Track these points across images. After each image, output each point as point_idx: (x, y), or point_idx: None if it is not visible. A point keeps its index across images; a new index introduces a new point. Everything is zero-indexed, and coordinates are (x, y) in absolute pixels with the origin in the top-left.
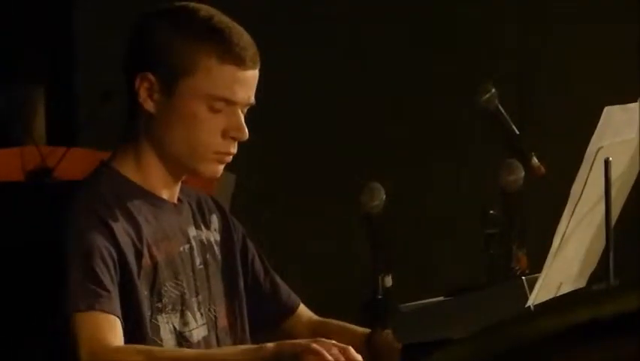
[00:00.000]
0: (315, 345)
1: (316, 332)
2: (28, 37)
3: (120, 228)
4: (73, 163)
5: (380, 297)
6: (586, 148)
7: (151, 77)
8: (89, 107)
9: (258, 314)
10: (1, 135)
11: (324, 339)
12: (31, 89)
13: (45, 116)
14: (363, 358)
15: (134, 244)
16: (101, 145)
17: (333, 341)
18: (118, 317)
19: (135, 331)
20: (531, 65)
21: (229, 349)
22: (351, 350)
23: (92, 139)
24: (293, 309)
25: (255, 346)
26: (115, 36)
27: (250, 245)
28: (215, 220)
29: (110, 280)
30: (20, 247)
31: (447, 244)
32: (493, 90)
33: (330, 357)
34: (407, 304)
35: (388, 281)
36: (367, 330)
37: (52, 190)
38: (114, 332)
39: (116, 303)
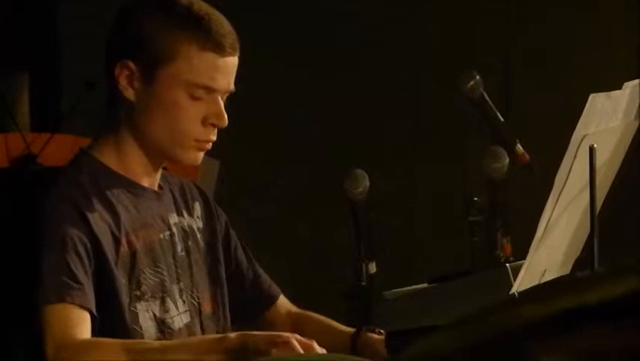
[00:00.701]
0: (284, 335)
1: (296, 323)
2: (13, 25)
3: (97, 217)
4: (58, 150)
5: (364, 284)
6: (570, 135)
7: (131, 65)
8: (73, 94)
9: (238, 304)
10: None
11: (287, 334)
12: (16, 76)
13: (29, 103)
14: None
15: (112, 233)
16: (84, 132)
17: (297, 336)
18: (89, 310)
19: (114, 319)
20: (515, 52)
21: (192, 339)
22: (315, 345)
23: (76, 126)
24: (273, 300)
25: (218, 336)
26: (99, 24)
27: (233, 234)
28: (197, 207)
29: (83, 272)
30: (2, 234)
31: (431, 231)
32: (478, 77)
33: (297, 345)
34: (391, 291)
35: (372, 268)
36: (349, 329)
37: (37, 176)
38: (84, 325)
39: (88, 296)
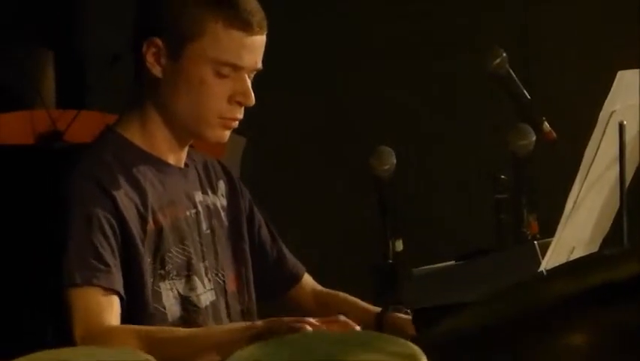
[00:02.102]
0: (309, 320)
1: (321, 302)
2: (38, 1)
3: (123, 195)
4: (84, 126)
5: (391, 261)
6: (596, 112)
7: (158, 41)
8: (98, 70)
9: (262, 282)
10: (12, 99)
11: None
12: (41, 53)
13: (55, 79)
14: None
15: (139, 210)
16: (110, 108)
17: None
18: (117, 292)
19: (137, 298)
20: (541, 28)
21: (219, 327)
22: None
23: (101, 102)
24: (297, 278)
25: (245, 324)
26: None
27: (257, 212)
28: (222, 185)
29: (110, 252)
30: (30, 211)
31: (458, 209)
32: (504, 55)
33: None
34: (418, 268)
35: (399, 246)
36: (374, 308)
37: (63, 153)
38: (110, 309)
39: (115, 278)
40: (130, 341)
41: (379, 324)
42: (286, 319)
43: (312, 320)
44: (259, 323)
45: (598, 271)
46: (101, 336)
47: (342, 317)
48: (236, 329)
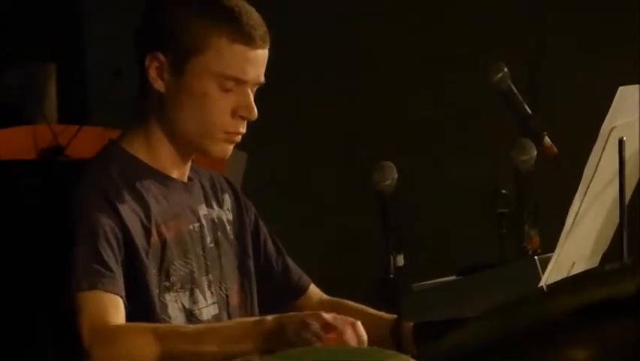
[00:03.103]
0: (323, 314)
1: (330, 310)
2: (39, 15)
3: (127, 208)
4: (85, 141)
5: (392, 276)
6: (598, 128)
7: (161, 56)
8: (101, 84)
9: (268, 296)
10: (14, 114)
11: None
12: (43, 67)
13: (57, 94)
14: (385, 344)
15: (142, 224)
16: (112, 123)
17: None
18: (121, 296)
19: (144, 309)
20: (543, 44)
21: (229, 322)
22: (359, 324)
23: (103, 117)
24: (303, 290)
25: (255, 319)
26: (126, 13)
27: (262, 226)
28: (227, 199)
29: (114, 260)
30: (32, 225)
31: (459, 224)
32: (506, 70)
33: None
34: (419, 283)
35: (400, 260)
36: (383, 314)
37: (64, 168)
38: (116, 311)
39: (119, 283)
40: (138, 337)
41: (397, 333)
42: (295, 314)
43: (324, 314)
44: (269, 317)
45: (598, 287)
46: (108, 334)
47: (358, 323)
48: (245, 324)
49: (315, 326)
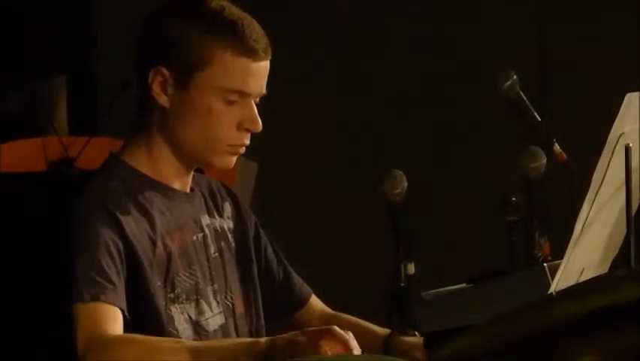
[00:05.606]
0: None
1: (328, 325)
2: (49, 28)
3: (130, 221)
4: (96, 153)
5: (403, 285)
6: (607, 134)
7: (165, 71)
8: (111, 96)
9: (269, 304)
10: (24, 126)
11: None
12: (53, 80)
13: (67, 106)
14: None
15: (149, 236)
16: (122, 134)
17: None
18: (121, 308)
19: (151, 322)
20: (552, 51)
21: (224, 341)
22: (351, 336)
23: (113, 128)
24: (304, 301)
25: (249, 340)
26: (135, 26)
27: (263, 234)
28: (228, 208)
29: (115, 273)
30: (41, 237)
31: (469, 231)
32: (515, 77)
33: (327, 349)
34: (429, 291)
35: (411, 269)
36: (381, 329)
37: (74, 180)
38: (114, 322)
39: (120, 296)
40: (130, 349)
41: (387, 347)
42: (290, 334)
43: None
44: (262, 339)
45: (605, 293)
46: (101, 344)
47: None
48: (241, 344)
49: (303, 339)
